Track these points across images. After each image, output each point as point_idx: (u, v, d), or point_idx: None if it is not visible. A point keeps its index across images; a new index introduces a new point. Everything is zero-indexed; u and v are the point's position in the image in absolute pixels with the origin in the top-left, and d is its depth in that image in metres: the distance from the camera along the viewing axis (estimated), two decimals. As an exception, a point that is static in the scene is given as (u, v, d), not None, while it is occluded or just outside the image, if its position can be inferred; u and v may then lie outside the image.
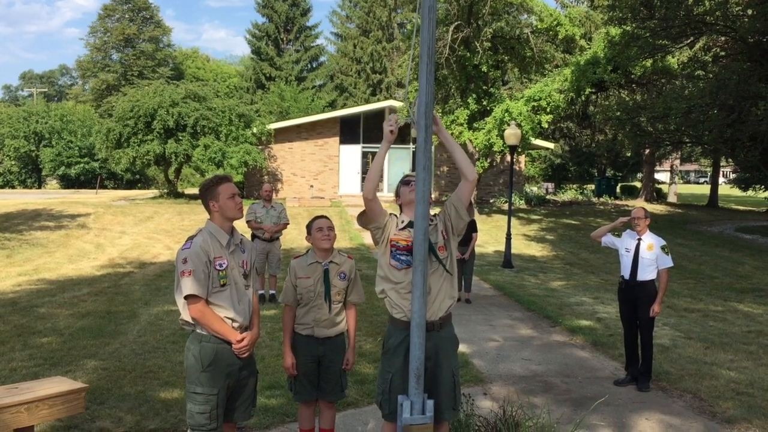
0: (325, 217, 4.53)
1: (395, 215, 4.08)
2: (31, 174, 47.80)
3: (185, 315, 3.78)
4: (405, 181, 4.02)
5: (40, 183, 48.06)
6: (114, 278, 12.56)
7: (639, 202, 32.53)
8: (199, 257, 3.72)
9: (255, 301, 4.02)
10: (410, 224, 3.89)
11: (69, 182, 45.35)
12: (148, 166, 31.39)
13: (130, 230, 20.01)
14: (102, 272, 13.29)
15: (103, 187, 43.85)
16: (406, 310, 3.79)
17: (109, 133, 28.50)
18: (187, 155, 28.19)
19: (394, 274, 3.89)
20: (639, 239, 6.63)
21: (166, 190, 31.54)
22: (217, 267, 3.77)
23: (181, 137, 27.89)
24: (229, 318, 3.79)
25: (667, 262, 6.56)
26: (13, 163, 45.71)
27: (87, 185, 44.16)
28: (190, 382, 3.80)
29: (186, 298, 3.70)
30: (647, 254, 6.56)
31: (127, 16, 63.59)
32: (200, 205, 24.52)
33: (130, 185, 46.99)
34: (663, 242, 6.64)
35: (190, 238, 3.85)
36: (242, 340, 3.79)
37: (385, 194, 26.64)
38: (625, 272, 6.68)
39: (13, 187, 45.49)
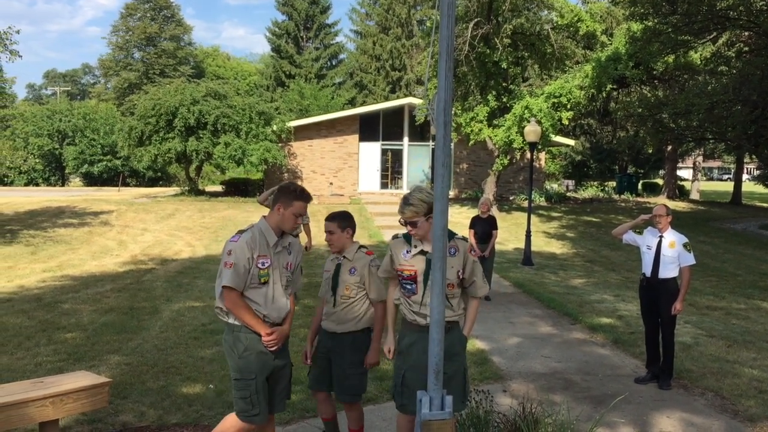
0: (331, 219, 4.50)
1: (400, 238, 4.11)
2: (55, 172, 48.39)
3: (220, 302, 3.93)
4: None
5: (63, 181, 48.63)
6: (136, 275, 12.69)
7: (661, 200, 32.23)
8: (243, 252, 3.85)
9: (291, 302, 4.14)
10: (422, 252, 3.97)
11: (92, 180, 45.87)
12: (169, 163, 31.68)
13: (152, 227, 20.21)
14: (124, 269, 13.43)
15: (126, 184, 44.26)
16: (416, 317, 4.01)
17: (131, 131, 28.80)
18: (207, 153, 28.41)
19: (404, 297, 4.10)
20: (661, 236, 6.57)
21: (187, 188, 31.82)
22: (259, 265, 3.90)
23: (201, 135, 28.10)
24: (261, 314, 3.94)
25: (690, 259, 6.50)
26: (37, 161, 46.30)
27: (109, 183, 44.64)
28: (231, 370, 4.00)
29: (223, 287, 3.85)
30: (669, 252, 6.49)
31: (148, 15, 64.05)
32: (221, 202, 24.56)
33: (152, 183, 47.39)
34: (685, 239, 6.58)
35: (240, 231, 4.00)
36: (271, 333, 3.91)
37: (405, 191, 26.62)
38: (647, 270, 6.63)
39: (37, 184, 46.07)
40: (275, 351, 3.96)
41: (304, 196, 4.00)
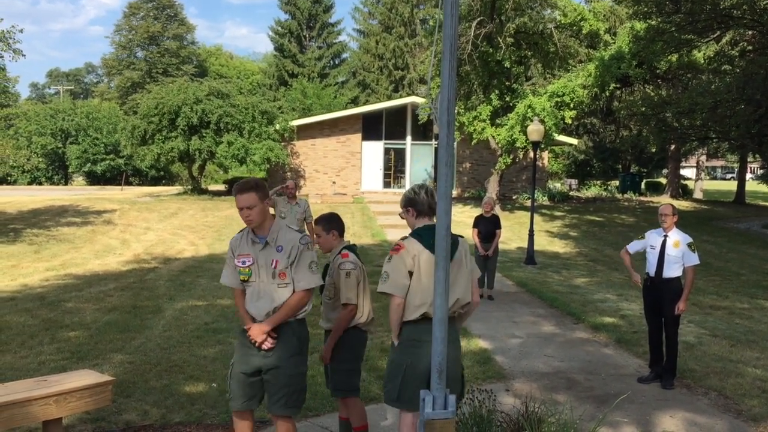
0: (317, 222, 4.65)
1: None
2: (58, 171, 48.43)
3: None
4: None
5: (66, 180, 48.66)
6: (139, 273, 12.71)
7: (664, 199, 32.19)
8: (229, 251, 4.20)
9: (293, 298, 3.99)
10: None
11: (95, 179, 45.90)
12: (172, 162, 31.68)
13: (154, 226, 20.23)
14: (127, 268, 13.45)
15: (129, 183, 44.30)
16: None
17: (134, 130, 28.81)
18: (210, 152, 28.41)
19: None
20: (665, 236, 6.56)
21: (190, 187, 31.82)
22: (239, 264, 4.06)
23: (204, 134, 28.11)
24: (249, 311, 4.08)
25: (694, 259, 6.48)
26: (40, 160, 46.31)
27: (112, 182, 44.65)
28: None
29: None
30: (673, 251, 6.48)
31: (151, 14, 64.13)
32: (224, 201, 24.57)
33: (155, 182, 47.41)
34: (689, 239, 6.56)
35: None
36: (248, 329, 4.02)
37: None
38: (651, 269, 6.61)
39: (40, 183, 46.12)
40: (258, 346, 3.96)
41: (242, 188, 3.95)
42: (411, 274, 3.90)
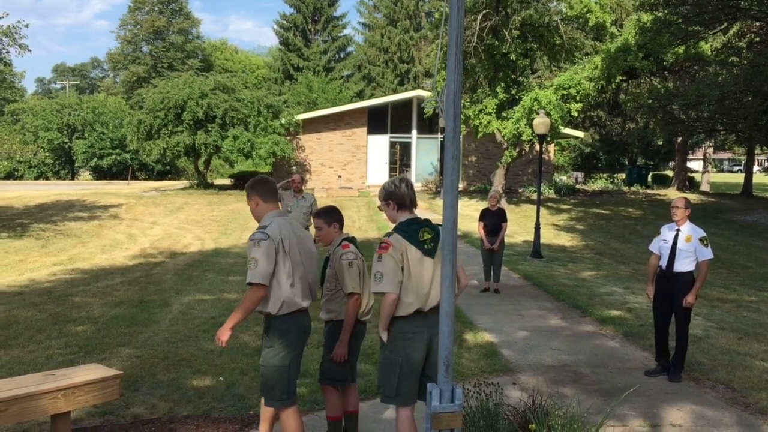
0: (317, 216, 4.71)
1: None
2: (65, 165, 48.58)
3: None
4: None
5: (73, 174, 48.82)
6: (146, 268, 12.74)
7: (671, 192, 32.08)
8: None
9: None
10: None
11: (101, 173, 46.03)
12: (178, 157, 31.78)
13: (161, 221, 20.27)
14: (134, 262, 13.49)
15: (135, 178, 44.41)
16: None
17: (140, 124, 28.87)
18: (216, 146, 28.46)
19: None
20: (677, 230, 6.52)
21: (196, 181, 31.89)
22: None
23: (210, 128, 28.15)
24: None
25: (707, 254, 6.41)
26: (47, 154, 46.46)
27: (119, 176, 44.78)
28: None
29: None
30: (685, 245, 6.42)
31: (156, 8, 64.09)
32: (229, 195, 24.62)
33: (161, 176, 47.52)
34: (702, 233, 6.50)
35: None
36: None
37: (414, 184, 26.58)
38: (663, 262, 6.56)
39: (47, 178, 46.29)
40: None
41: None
42: (402, 270, 3.94)
